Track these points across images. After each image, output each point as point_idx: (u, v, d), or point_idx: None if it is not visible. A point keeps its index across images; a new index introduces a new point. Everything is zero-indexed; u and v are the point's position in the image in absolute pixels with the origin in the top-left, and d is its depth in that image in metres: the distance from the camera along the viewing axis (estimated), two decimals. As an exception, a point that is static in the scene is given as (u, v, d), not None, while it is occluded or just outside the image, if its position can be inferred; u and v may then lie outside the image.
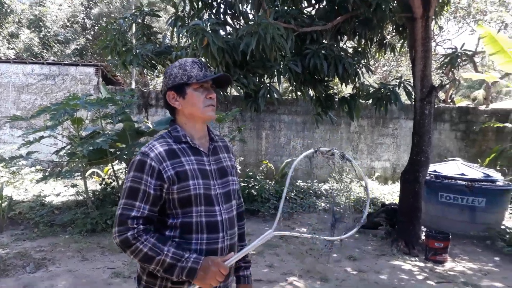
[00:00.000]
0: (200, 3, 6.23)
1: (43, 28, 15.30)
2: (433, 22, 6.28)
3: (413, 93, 5.71)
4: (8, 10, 14.56)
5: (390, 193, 8.54)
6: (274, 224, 1.38)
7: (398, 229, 5.64)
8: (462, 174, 6.23)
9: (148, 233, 1.46)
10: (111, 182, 6.61)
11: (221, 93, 6.16)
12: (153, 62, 6.48)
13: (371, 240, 5.76)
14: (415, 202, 5.50)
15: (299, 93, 6.77)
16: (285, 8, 5.95)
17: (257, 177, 7.89)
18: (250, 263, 1.85)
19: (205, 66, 1.61)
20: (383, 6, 5.55)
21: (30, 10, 15.71)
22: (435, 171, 6.54)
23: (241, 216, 1.83)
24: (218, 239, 1.54)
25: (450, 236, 5.06)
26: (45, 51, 15.08)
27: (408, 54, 6.85)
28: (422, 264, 4.86)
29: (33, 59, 10.73)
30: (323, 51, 5.65)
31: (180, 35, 6.16)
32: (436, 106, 6.25)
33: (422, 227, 5.70)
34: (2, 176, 7.63)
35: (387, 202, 7.01)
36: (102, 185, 6.50)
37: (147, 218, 1.48)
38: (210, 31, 5.09)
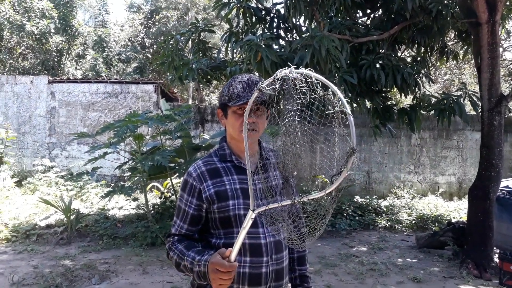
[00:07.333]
0: (253, 18, 6.29)
1: (106, 48, 16.29)
2: (500, 26, 5.88)
3: (479, 103, 5.35)
4: (76, 33, 15.64)
5: (457, 210, 8.00)
6: (251, 203, 1.28)
7: (467, 249, 5.24)
8: (539, 189, 5.69)
9: (181, 242, 1.48)
10: (170, 196, 6.78)
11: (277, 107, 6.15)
12: (208, 77, 6.63)
13: (437, 261, 5.40)
14: (485, 220, 5.09)
15: (355, 105, 6.59)
16: (339, 19, 5.86)
17: (312, 192, 7.72)
18: (309, 281, 1.74)
19: (252, 85, 1.46)
20: (444, 12, 5.30)
21: (95, 31, 16.80)
22: (507, 186, 6.03)
23: None
24: (262, 263, 1.47)
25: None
26: (108, 70, 16.03)
27: (472, 61, 6.46)
28: (496, 290, 4.47)
29: (98, 78, 11.44)
30: (379, 61, 5.48)
31: (234, 50, 6.24)
32: (505, 116, 5.81)
33: (494, 248, 5.26)
34: (70, 190, 8.13)
35: (453, 220, 6.57)
36: (161, 199, 6.70)
37: (185, 235, 1.51)
38: (263, 46, 5.12)
